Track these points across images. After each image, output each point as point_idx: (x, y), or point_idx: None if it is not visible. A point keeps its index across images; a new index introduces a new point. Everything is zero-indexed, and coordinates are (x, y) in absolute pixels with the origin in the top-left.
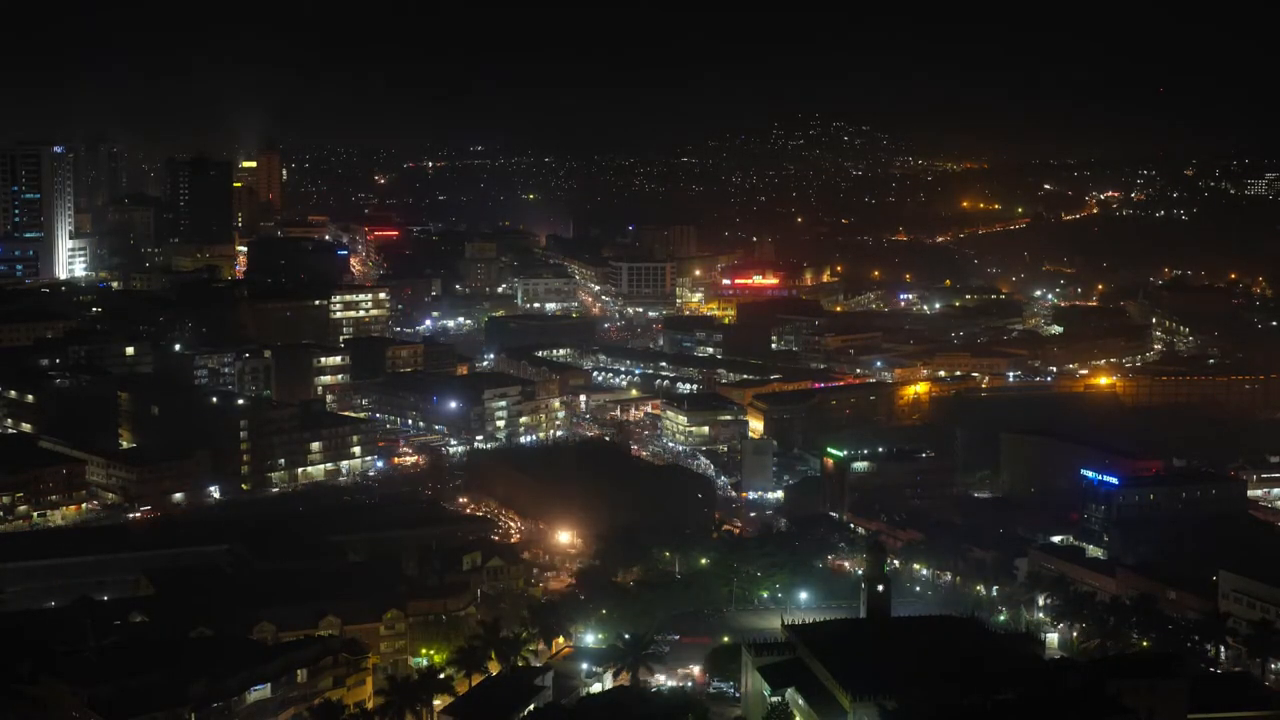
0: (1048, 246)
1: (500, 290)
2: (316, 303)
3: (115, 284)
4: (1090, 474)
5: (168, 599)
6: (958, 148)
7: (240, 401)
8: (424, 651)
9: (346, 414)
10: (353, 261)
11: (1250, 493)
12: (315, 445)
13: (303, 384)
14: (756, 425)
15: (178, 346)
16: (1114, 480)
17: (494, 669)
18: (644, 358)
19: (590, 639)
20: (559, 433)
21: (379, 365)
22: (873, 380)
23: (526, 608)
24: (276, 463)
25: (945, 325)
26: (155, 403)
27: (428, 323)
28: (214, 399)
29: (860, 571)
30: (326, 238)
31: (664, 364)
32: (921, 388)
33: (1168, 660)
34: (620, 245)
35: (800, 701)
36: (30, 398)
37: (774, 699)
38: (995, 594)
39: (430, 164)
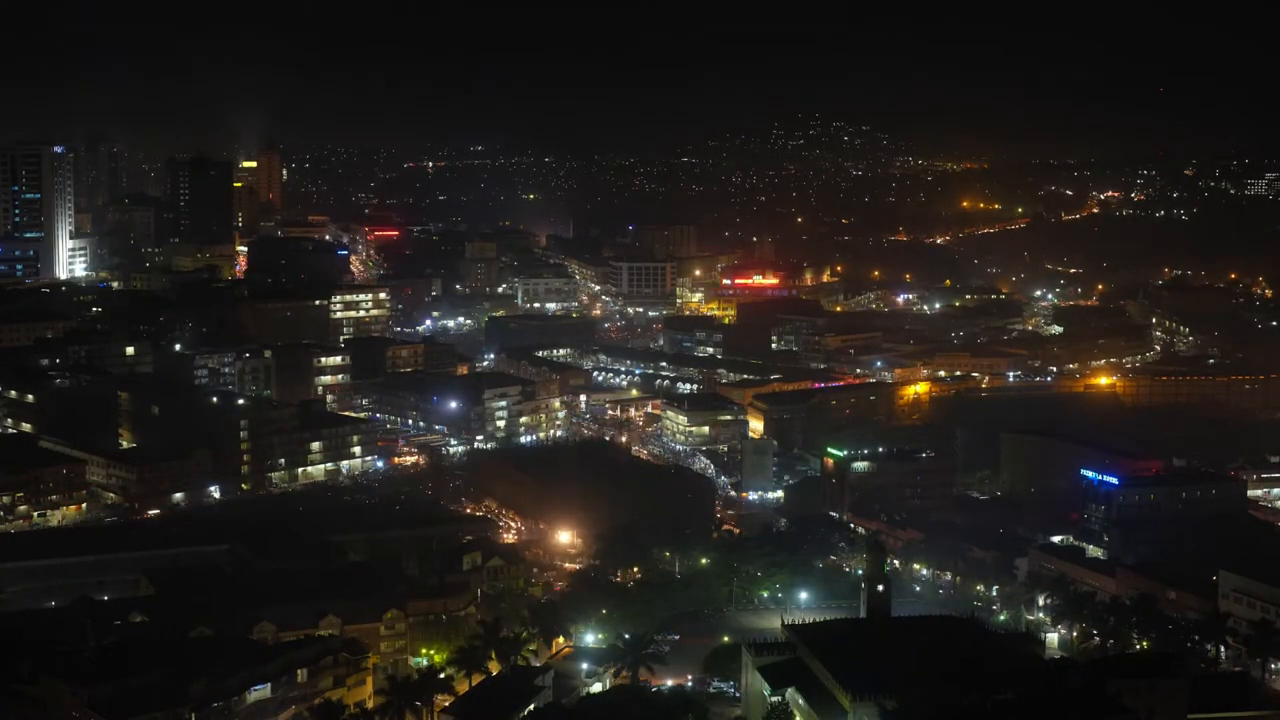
0: (1048, 246)
1: (500, 290)
2: (316, 303)
3: (115, 284)
4: (1090, 474)
5: (168, 599)
6: (958, 148)
7: (240, 401)
8: (424, 651)
9: (346, 414)
10: (353, 261)
11: (1250, 493)
12: (315, 445)
13: (303, 384)
14: (756, 425)
15: (178, 346)
16: (1114, 480)
17: (494, 669)
18: (644, 358)
19: (590, 639)
20: (559, 433)
21: (379, 365)
22: (873, 380)
23: (526, 608)
24: (276, 463)
25: (945, 325)
26: (155, 403)
27: (428, 323)
28: (214, 399)
29: (860, 571)
30: (326, 238)
31: (664, 364)
32: (921, 388)
33: (1168, 660)
34: (620, 245)
35: (800, 701)
36: (30, 398)
37: (774, 699)
38: (995, 594)
39: (430, 164)
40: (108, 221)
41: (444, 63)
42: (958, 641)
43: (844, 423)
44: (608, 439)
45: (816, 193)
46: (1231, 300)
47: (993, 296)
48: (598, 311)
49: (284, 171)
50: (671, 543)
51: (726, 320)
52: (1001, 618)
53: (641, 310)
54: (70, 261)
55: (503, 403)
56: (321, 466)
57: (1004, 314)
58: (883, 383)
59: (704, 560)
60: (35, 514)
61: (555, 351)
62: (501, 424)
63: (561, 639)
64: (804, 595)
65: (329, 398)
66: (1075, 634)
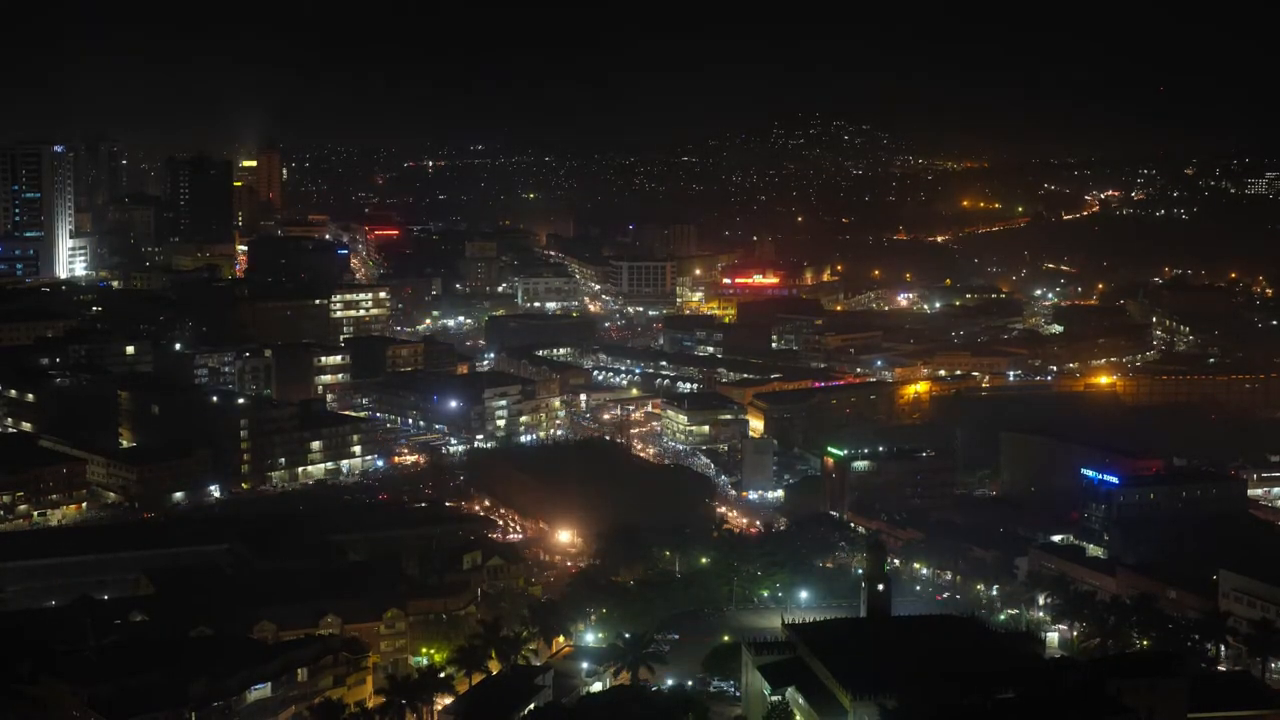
0: (1048, 246)
1: (500, 289)
2: (317, 302)
3: (115, 283)
4: (1090, 473)
5: (168, 598)
6: (958, 147)
7: (240, 401)
8: (424, 651)
9: (347, 413)
10: (353, 261)
11: (1250, 492)
12: (315, 445)
13: (303, 383)
14: (757, 425)
15: (178, 346)
16: (1114, 479)
17: (494, 668)
18: (644, 357)
19: (590, 639)
20: (559, 432)
21: (379, 365)
22: (873, 380)
23: (526, 607)
24: (276, 462)
25: (945, 324)
26: (155, 402)
27: (428, 322)
28: (214, 398)
29: (860, 571)
30: (327, 237)
31: (664, 363)
32: (922, 387)
33: (1168, 660)
34: (620, 244)
35: (800, 701)
36: (30, 397)
37: (774, 698)
38: (995, 593)
39: (430, 163)
40: (108, 221)
41: (444, 63)
42: (958, 641)
43: (844, 422)
44: (608, 438)
45: (817, 192)
46: (1231, 300)
47: (993, 296)
48: (597, 311)
49: (284, 171)
50: (671, 542)
51: (726, 320)
52: (1001, 617)
53: (641, 310)
54: (70, 261)
55: (503, 402)
56: (321, 466)
57: (1004, 313)
58: (883, 382)
59: (704, 560)
60: (35, 514)
61: (555, 351)
62: (501, 423)
63: (561, 638)
64: (804, 594)
65: (329, 397)
66: (1075, 633)
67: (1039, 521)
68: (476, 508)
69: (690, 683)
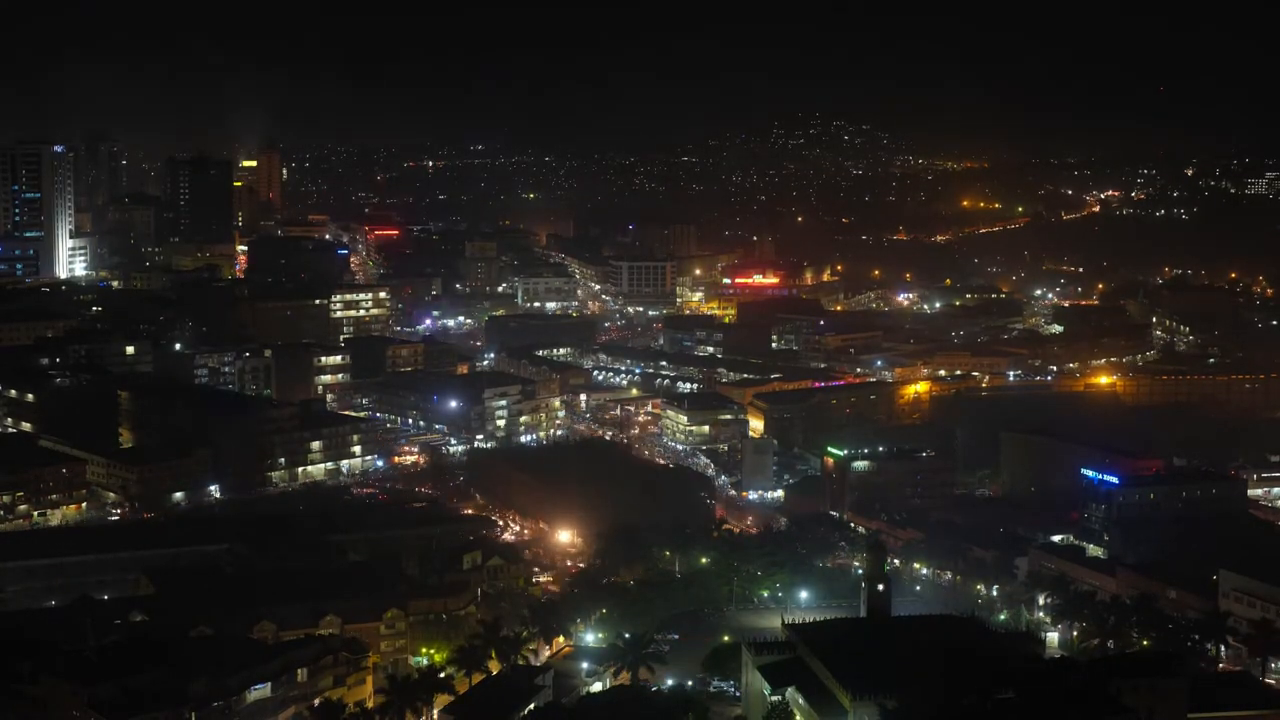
0: (1048, 246)
1: (500, 289)
2: (316, 302)
3: (115, 283)
4: (1090, 473)
5: (168, 598)
6: (958, 148)
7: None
8: (424, 651)
9: (347, 413)
10: (353, 261)
11: (1250, 492)
12: (315, 445)
13: (303, 383)
14: (757, 424)
15: (178, 346)
16: (1114, 479)
17: (494, 668)
18: (644, 357)
19: (590, 639)
20: (559, 432)
21: (379, 365)
22: (873, 380)
23: (526, 607)
24: (276, 462)
25: (945, 324)
26: (155, 403)
27: (428, 322)
28: (214, 398)
29: (860, 571)
30: (326, 237)
31: (664, 363)
32: (922, 387)
33: (1168, 659)
34: (620, 244)
35: (800, 701)
36: (30, 397)
37: (774, 698)
38: (995, 593)
39: (430, 163)
40: (108, 221)
41: (444, 63)
42: (958, 641)
43: (844, 422)
44: (608, 438)
45: (817, 192)
46: (1231, 300)
47: (993, 296)
48: (597, 311)
49: (284, 171)
50: (671, 542)
51: (726, 320)
52: (1001, 617)
53: (641, 310)
54: (70, 261)
55: (503, 402)
56: (321, 466)
57: (1004, 313)
58: (883, 382)
59: (704, 560)
60: (35, 514)
61: (555, 351)
62: (501, 423)
63: (561, 639)
64: (804, 595)
65: (329, 397)
66: (1075, 633)
67: (1039, 521)
68: (477, 508)
69: (690, 683)
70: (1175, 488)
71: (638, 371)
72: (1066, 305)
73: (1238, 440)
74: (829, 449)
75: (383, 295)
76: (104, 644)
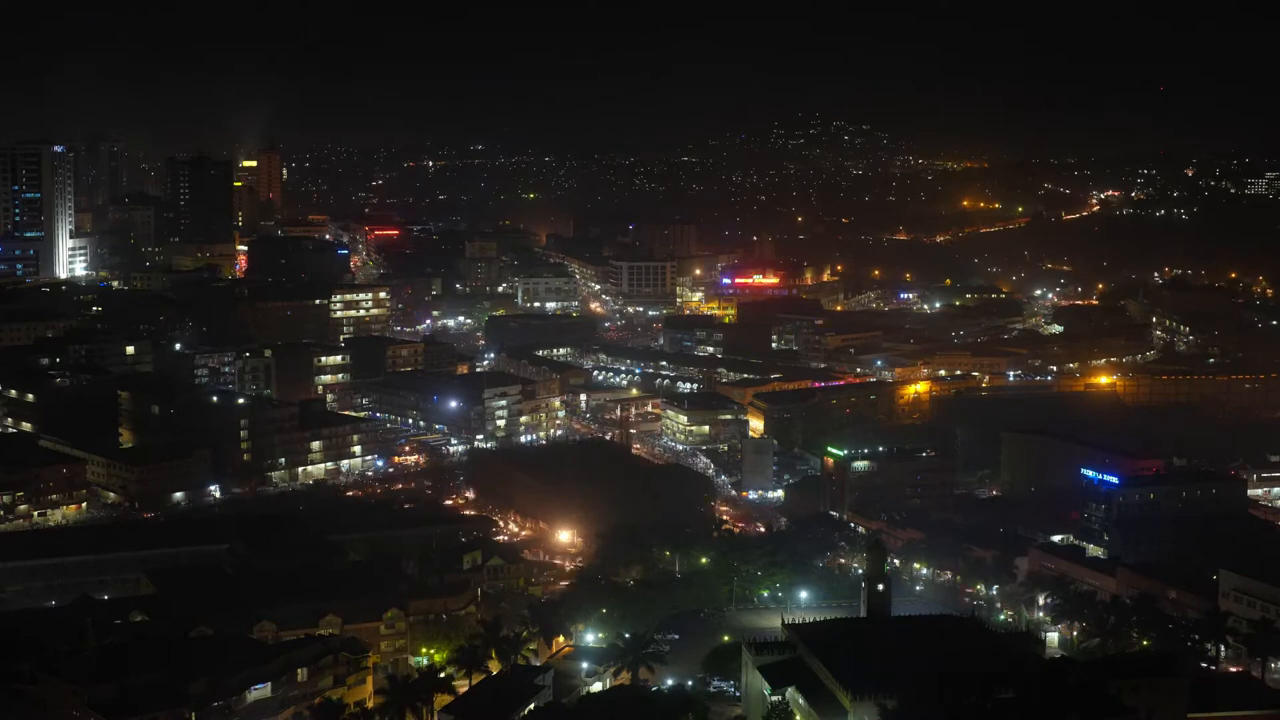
0: (1048, 246)
1: (500, 289)
2: (317, 302)
3: (115, 283)
4: (1090, 473)
5: (168, 598)
6: (958, 148)
7: (240, 401)
8: (424, 651)
9: (347, 413)
10: (353, 261)
11: (1250, 492)
12: (315, 445)
13: (303, 383)
14: (757, 424)
15: (178, 346)
16: (1114, 479)
17: (494, 668)
18: (644, 357)
19: (590, 639)
20: (559, 432)
21: (379, 365)
22: (873, 380)
23: (526, 607)
24: (276, 462)
25: (945, 324)
26: (155, 402)
27: (428, 322)
28: (214, 398)
29: (860, 571)
30: (327, 237)
31: (664, 363)
32: (922, 387)
33: (1168, 659)
34: (620, 244)
35: (800, 701)
36: (30, 397)
37: (774, 698)
38: (995, 593)
39: (430, 163)
40: (108, 221)
41: (443, 62)
42: (958, 641)
43: (844, 422)
44: (608, 438)
45: (817, 192)
46: (1231, 300)
47: (993, 296)
48: (597, 311)
49: (284, 171)
50: (671, 542)
51: (726, 319)
52: (1001, 617)
53: (641, 310)
54: (70, 261)
55: (503, 402)
56: (321, 466)
57: (1004, 313)
58: (883, 382)
59: (704, 560)
60: (35, 514)
61: (555, 351)
62: (501, 423)
63: (561, 638)
64: (804, 595)
65: (329, 397)
66: (1075, 633)
67: (1039, 521)
68: (477, 508)
69: (690, 683)
70: (1175, 488)
71: (638, 371)
72: (1066, 305)
73: (1238, 440)
74: (829, 449)
75: (383, 295)
76: (104, 644)
